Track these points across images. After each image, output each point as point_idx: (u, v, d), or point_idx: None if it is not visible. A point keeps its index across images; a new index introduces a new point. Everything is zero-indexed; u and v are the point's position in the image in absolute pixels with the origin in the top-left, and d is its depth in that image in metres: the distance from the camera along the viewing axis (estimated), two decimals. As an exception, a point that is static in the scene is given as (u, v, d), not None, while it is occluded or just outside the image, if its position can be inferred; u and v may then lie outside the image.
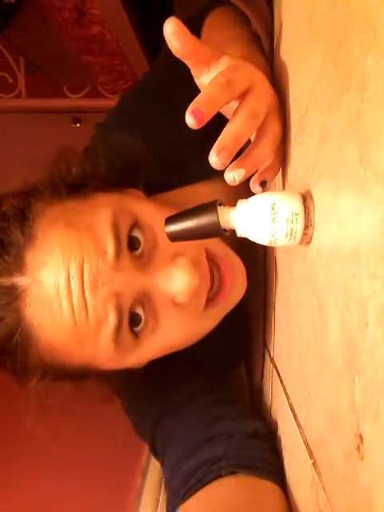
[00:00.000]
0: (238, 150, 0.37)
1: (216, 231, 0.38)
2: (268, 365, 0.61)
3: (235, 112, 0.37)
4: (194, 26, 0.60)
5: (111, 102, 0.67)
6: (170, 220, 0.40)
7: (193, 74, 0.42)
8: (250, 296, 0.66)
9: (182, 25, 0.35)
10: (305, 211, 0.34)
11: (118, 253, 0.46)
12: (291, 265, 0.43)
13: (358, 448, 0.25)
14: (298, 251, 0.39)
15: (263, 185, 0.42)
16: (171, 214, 0.40)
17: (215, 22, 0.58)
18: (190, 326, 0.51)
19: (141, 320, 0.48)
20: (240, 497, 0.45)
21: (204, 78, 0.41)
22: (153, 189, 0.61)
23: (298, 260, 0.40)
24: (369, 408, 0.23)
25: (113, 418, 0.71)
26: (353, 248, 0.25)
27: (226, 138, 0.36)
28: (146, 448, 0.76)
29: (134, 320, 0.48)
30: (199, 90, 0.45)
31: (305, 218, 0.34)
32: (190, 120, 0.34)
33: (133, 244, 0.48)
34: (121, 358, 0.49)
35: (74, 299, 0.44)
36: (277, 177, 0.49)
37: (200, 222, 0.38)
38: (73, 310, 0.45)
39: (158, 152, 0.61)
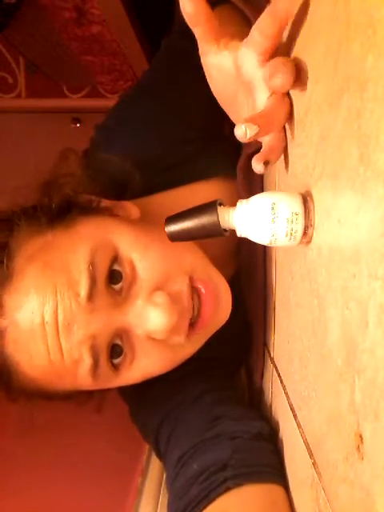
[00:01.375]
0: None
1: (216, 231, 0.38)
2: (268, 365, 0.61)
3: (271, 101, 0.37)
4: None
5: (111, 101, 0.67)
6: (170, 220, 0.40)
7: (200, 48, 0.41)
8: (250, 296, 0.66)
9: None
10: (305, 211, 0.34)
11: (91, 294, 0.45)
12: (291, 265, 0.43)
13: (358, 448, 0.25)
14: (297, 251, 0.39)
15: (266, 164, 0.42)
16: (171, 214, 0.40)
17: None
18: (169, 357, 0.51)
19: (122, 351, 0.48)
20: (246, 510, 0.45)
21: (211, 57, 0.40)
22: (150, 190, 0.61)
23: (297, 260, 0.40)
24: (369, 408, 0.23)
25: (113, 418, 0.72)
26: (353, 248, 0.25)
27: (264, 119, 0.35)
28: (146, 448, 0.76)
29: (115, 351, 0.48)
30: (199, 87, 0.45)
31: (305, 218, 0.34)
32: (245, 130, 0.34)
33: (114, 277, 0.47)
34: (103, 385, 0.50)
35: (49, 342, 0.45)
36: (277, 177, 0.49)
37: (200, 221, 0.38)
38: (48, 352, 0.45)
39: (156, 151, 0.61)
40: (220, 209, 0.38)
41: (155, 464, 0.74)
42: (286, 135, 0.42)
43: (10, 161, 1.67)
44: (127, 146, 0.61)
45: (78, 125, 1.86)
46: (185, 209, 0.41)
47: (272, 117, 0.38)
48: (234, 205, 0.38)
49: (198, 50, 0.42)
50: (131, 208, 0.55)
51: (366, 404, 0.24)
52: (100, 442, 0.80)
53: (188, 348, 0.53)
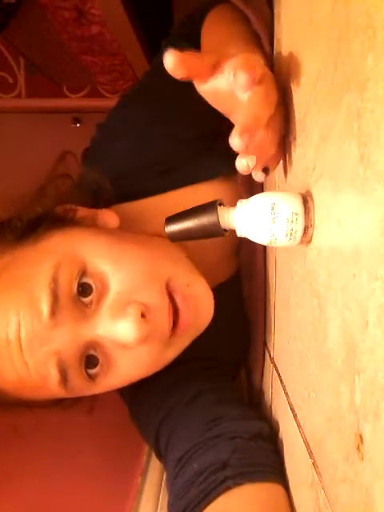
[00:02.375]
0: (258, 132, 0.36)
1: (216, 231, 0.38)
2: (268, 365, 0.61)
3: (250, 97, 0.36)
4: (194, 22, 0.60)
5: (111, 101, 0.67)
6: (170, 220, 0.40)
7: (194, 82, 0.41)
8: (250, 296, 0.66)
9: (180, 55, 0.34)
10: (305, 211, 0.35)
11: (54, 311, 0.45)
12: (291, 265, 0.43)
13: (358, 448, 0.25)
14: (297, 251, 0.39)
15: (266, 171, 0.42)
16: (170, 214, 0.40)
17: (215, 20, 0.58)
18: (148, 363, 0.51)
19: (98, 362, 0.48)
20: (246, 510, 0.45)
21: (204, 86, 0.40)
22: (149, 192, 0.61)
23: (298, 260, 0.40)
24: (369, 408, 0.23)
25: (113, 418, 0.72)
26: (353, 248, 0.25)
27: (248, 119, 0.34)
28: (146, 448, 0.76)
29: (91, 362, 0.48)
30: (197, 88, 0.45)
31: (305, 218, 0.35)
32: (239, 142, 0.33)
33: (85, 290, 0.47)
34: (79, 394, 0.50)
35: (14, 360, 0.45)
36: (276, 177, 0.49)
37: (200, 221, 0.38)
38: (15, 368, 0.46)
39: (156, 153, 0.61)
40: (220, 209, 0.38)
41: (155, 464, 0.74)
42: (282, 143, 0.43)
43: (10, 161, 1.67)
44: (127, 147, 0.61)
45: (78, 125, 1.86)
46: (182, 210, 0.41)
47: (265, 141, 0.38)
48: (234, 205, 0.38)
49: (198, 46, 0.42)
50: (110, 216, 0.55)
51: (366, 404, 0.24)
52: (100, 442, 0.80)
53: (170, 352, 0.52)
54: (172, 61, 0.35)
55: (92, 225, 0.54)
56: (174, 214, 0.41)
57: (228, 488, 0.45)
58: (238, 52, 0.43)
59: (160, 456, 0.60)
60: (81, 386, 0.49)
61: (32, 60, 1.56)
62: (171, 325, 0.49)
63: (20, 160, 1.70)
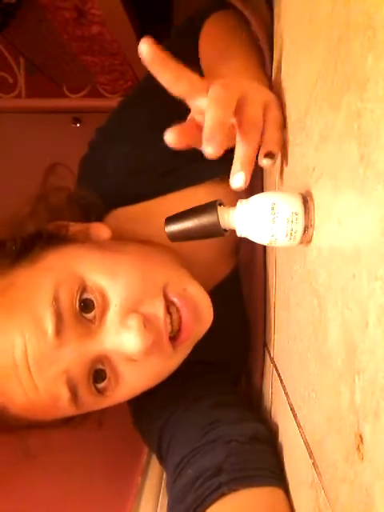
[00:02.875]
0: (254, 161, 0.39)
1: (216, 231, 0.38)
2: (268, 365, 0.61)
3: (239, 131, 0.38)
4: (194, 28, 0.60)
5: (111, 101, 0.67)
6: (170, 220, 0.40)
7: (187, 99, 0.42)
8: (250, 296, 0.66)
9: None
10: (305, 211, 0.34)
11: (59, 330, 0.45)
12: (291, 265, 0.43)
13: (358, 448, 0.25)
14: (297, 251, 0.39)
15: (270, 156, 0.42)
16: (171, 215, 0.40)
17: (214, 28, 0.58)
18: (154, 373, 0.51)
19: (106, 376, 0.49)
20: None
21: (194, 103, 0.42)
22: (148, 195, 0.61)
23: (298, 260, 0.40)
24: (369, 408, 0.23)
25: (113, 418, 0.71)
26: (353, 248, 0.25)
27: (244, 158, 0.38)
28: (146, 449, 0.76)
29: (99, 376, 0.48)
30: None
31: (305, 218, 0.34)
32: (210, 150, 0.35)
33: (87, 306, 0.47)
34: (89, 409, 0.50)
35: (24, 383, 0.45)
36: (277, 177, 0.49)
37: (200, 221, 0.38)
38: (25, 392, 0.46)
39: (155, 157, 0.61)
40: (220, 209, 0.38)
41: (155, 464, 0.74)
42: (282, 127, 0.43)
43: (10, 161, 1.67)
44: (127, 150, 0.61)
45: (78, 125, 1.86)
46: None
47: (253, 153, 0.39)
48: (234, 205, 0.38)
49: (194, 47, 0.43)
50: (101, 229, 0.55)
51: (366, 404, 0.24)
52: (100, 442, 0.80)
53: (173, 360, 0.52)
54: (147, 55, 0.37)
55: (85, 239, 0.54)
56: (173, 214, 0.41)
57: (223, 494, 0.45)
58: (230, 73, 0.46)
59: (162, 461, 0.60)
60: (91, 402, 0.49)
61: (32, 60, 1.56)
62: (168, 331, 0.49)
63: (20, 160, 1.70)
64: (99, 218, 0.60)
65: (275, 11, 0.53)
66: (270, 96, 0.43)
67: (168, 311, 0.50)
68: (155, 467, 0.74)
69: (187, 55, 0.57)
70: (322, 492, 0.34)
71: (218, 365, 0.65)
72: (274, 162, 0.42)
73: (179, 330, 0.50)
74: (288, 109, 0.43)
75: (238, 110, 0.38)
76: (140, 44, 0.37)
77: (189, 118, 0.44)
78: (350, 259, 0.26)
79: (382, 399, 0.22)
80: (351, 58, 0.25)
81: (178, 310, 0.50)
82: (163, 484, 0.70)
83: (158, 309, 0.49)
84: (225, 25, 0.57)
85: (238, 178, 0.38)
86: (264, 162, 0.41)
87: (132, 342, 0.46)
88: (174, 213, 0.41)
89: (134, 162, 0.61)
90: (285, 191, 0.37)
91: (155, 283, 0.50)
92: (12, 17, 1.21)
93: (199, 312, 0.52)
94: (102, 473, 0.76)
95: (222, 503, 0.45)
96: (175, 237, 0.40)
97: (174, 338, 0.50)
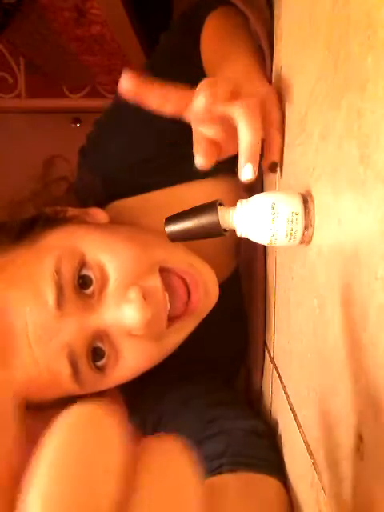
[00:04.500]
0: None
1: (216, 231, 0.38)
2: (268, 365, 0.61)
3: (241, 124, 0.39)
4: (195, 26, 0.60)
5: (111, 102, 0.67)
6: (169, 220, 0.40)
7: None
8: (250, 296, 0.66)
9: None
10: (305, 211, 0.34)
11: (60, 302, 0.45)
12: (291, 265, 0.43)
13: (358, 448, 0.25)
14: (298, 251, 0.39)
15: (274, 167, 0.43)
16: (171, 214, 0.40)
17: (216, 27, 0.58)
18: (154, 350, 0.51)
19: (104, 353, 0.48)
20: (239, 493, 0.45)
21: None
22: (145, 188, 0.61)
23: (298, 260, 0.40)
24: (369, 408, 0.23)
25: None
26: (353, 248, 0.25)
27: (250, 149, 0.38)
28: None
29: (98, 354, 0.48)
30: (196, 86, 0.45)
31: (305, 218, 0.34)
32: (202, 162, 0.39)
33: (85, 283, 0.48)
34: (91, 388, 0.50)
35: (24, 357, 0.45)
36: (277, 176, 0.49)
37: (200, 221, 0.38)
38: (25, 367, 0.45)
39: (152, 150, 0.61)
40: (220, 209, 0.38)
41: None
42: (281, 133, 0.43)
43: (10, 161, 1.67)
44: (123, 144, 0.62)
45: (78, 125, 1.87)
46: (181, 207, 0.41)
47: (257, 144, 0.40)
48: (234, 205, 0.38)
49: (196, 47, 0.43)
50: (98, 214, 0.56)
51: (366, 404, 0.24)
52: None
53: (173, 338, 0.53)
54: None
55: (83, 222, 0.54)
56: (173, 213, 0.41)
57: (221, 473, 0.45)
58: (232, 73, 0.47)
59: None
60: (92, 380, 0.48)
61: (32, 60, 1.56)
62: (167, 305, 0.50)
63: (20, 160, 1.70)
64: (102, 204, 0.60)
65: (275, 11, 0.53)
66: (270, 93, 0.44)
67: (167, 287, 0.50)
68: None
69: (189, 55, 0.58)
70: (322, 492, 0.34)
71: (216, 363, 0.65)
72: (278, 170, 0.42)
73: (186, 305, 0.51)
74: (288, 109, 0.43)
75: (237, 101, 0.39)
76: (121, 80, 0.38)
77: (194, 132, 0.45)
78: (350, 259, 0.26)
79: (382, 399, 0.22)
80: (351, 58, 0.25)
81: (187, 285, 0.51)
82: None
83: (157, 282, 0.49)
84: (226, 24, 0.57)
85: (247, 171, 0.39)
86: (269, 172, 0.42)
87: (133, 314, 0.46)
88: (173, 206, 0.42)
89: (131, 154, 0.61)
90: (285, 191, 0.37)
91: (153, 258, 0.50)
92: (12, 17, 1.21)
93: (206, 287, 0.52)
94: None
95: (219, 479, 0.45)
96: (175, 237, 0.40)
97: (177, 315, 0.51)
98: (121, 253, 0.49)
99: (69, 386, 0.48)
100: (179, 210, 0.41)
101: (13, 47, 1.51)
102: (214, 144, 0.43)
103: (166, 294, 0.50)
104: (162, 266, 0.51)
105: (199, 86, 0.39)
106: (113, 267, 0.48)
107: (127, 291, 0.48)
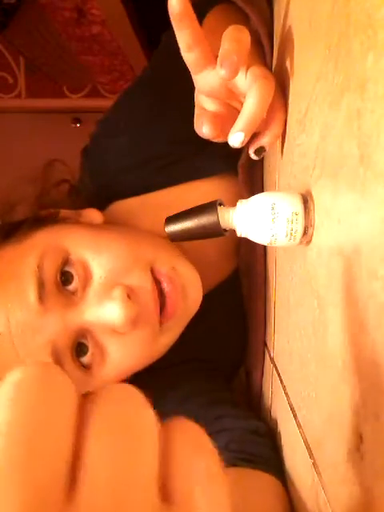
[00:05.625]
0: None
1: (216, 231, 0.38)
2: (268, 365, 0.61)
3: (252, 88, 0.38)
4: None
5: (111, 102, 0.67)
6: (169, 220, 0.40)
7: (192, 69, 0.42)
8: (250, 296, 0.66)
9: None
10: (305, 211, 0.34)
11: (42, 297, 0.45)
12: (291, 265, 0.43)
13: (358, 448, 0.25)
14: (297, 251, 0.39)
15: (260, 152, 0.43)
16: (171, 215, 0.40)
17: (215, 23, 0.58)
18: (142, 349, 0.50)
19: (88, 350, 0.48)
20: (237, 487, 0.45)
21: (203, 74, 0.41)
22: (148, 188, 0.61)
23: (297, 260, 0.40)
24: (369, 408, 0.23)
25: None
26: (353, 248, 0.25)
27: (249, 117, 0.37)
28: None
29: (82, 350, 0.48)
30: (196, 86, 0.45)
31: (305, 218, 0.34)
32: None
33: (67, 279, 0.48)
34: (79, 387, 0.50)
35: (6, 354, 0.45)
36: (277, 177, 0.49)
37: (200, 221, 0.38)
38: (7, 363, 0.45)
39: (156, 149, 0.61)
40: (220, 209, 0.38)
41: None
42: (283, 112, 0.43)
43: (10, 161, 1.67)
44: (127, 143, 0.62)
45: (78, 125, 1.87)
46: (181, 207, 0.41)
47: (256, 112, 0.38)
48: (234, 204, 0.38)
49: None
50: (93, 214, 0.56)
51: (366, 404, 0.24)
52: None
53: (163, 339, 0.52)
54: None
55: (75, 223, 0.55)
56: (173, 213, 0.41)
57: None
58: None
59: None
60: (77, 378, 0.48)
61: (32, 60, 1.56)
62: (158, 306, 0.49)
63: (20, 160, 1.70)
64: (99, 210, 0.60)
65: (275, 11, 0.53)
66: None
67: (155, 286, 0.49)
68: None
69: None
70: (322, 492, 0.34)
71: (216, 362, 0.65)
72: (262, 156, 0.42)
73: (165, 306, 0.50)
74: (288, 109, 0.43)
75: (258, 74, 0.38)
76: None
77: (196, 106, 0.44)
78: (349, 259, 0.26)
79: (382, 399, 0.22)
80: (351, 57, 0.25)
81: (163, 289, 0.50)
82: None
83: (146, 282, 0.49)
84: (226, 20, 0.57)
85: (237, 137, 0.38)
86: (252, 156, 0.42)
87: (114, 311, 0.46)
88: (173, 206, 0.41)
89: (134, 154, 0.61)
90: (285, 191, 0.37)
91: (143, 258, 0.50)
92: (12, 17, 1.21)
93: (187, 290, 0.52)
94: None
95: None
96: (175, 237, 0.40)
97: (160, 314, 0.50)
98: (106, 251, 0.49)
99: None
100: (179, 210, 0.41)
101: (13, 47, 1.51)
102: (216, 117, 0.42)
103: (157, 292, 0.49)
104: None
105: (220, 59, 0.36)
106: (97, 265, 0.48)
107: (112, 289, 0.47)
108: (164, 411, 0.59)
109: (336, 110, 0.27)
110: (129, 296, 0.47)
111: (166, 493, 0.15)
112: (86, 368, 0.49)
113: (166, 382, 0.59)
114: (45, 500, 0.13)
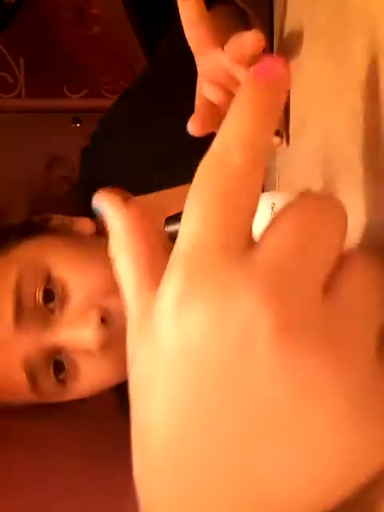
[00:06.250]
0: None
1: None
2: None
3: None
4: None
5: (111, 102, 0.67)
6: (170, 220, 0.40)
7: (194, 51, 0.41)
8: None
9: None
10: (305, 211, 0.34)
11: (18, 316, 0.46)
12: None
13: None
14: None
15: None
16: (171, 215, 0.40)
17: (214, 21, 0.58)
18: (115, 369, 0.50)
19: (64, 367, 0.49)
20: None
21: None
22: (148, 189, 0.61)
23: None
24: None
25: (113, 415, 0.72)
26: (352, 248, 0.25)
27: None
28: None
29: (58, 367, 0.49)
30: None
31: (305, 218, 0.34)
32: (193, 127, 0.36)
33: (49, 296, 0.48)
34: (52, 399, 0.50)
35: None
36: (277, 177, 0.49)
37: (200, 222, 0.38)
38: None
39: (157, 150, 0.61)
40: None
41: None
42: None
43: (9, 161, 1.67)
44: (128, 143, 0.62)
45: (78, 125, 1.87)
46: (182, 207, 0.41)
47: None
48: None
49: None
50: (84, 223, 0.56)
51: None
52: (100, 440, 0.80)
53: None
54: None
55: (67, 232, 0.54)
56: (173, 214, 0.41)
57: None
58: None
59: None
60: (52, 392, 0.49)
61: (32, 60, 1.56)
62: None
63: (20, 160, 1.70)
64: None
65: (275, 11, 0.53)
66: None
67: None
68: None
69: (186, 55, 0.57)
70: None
71: None
72: (281, 142, 0.41)
73: None
74: (288, 109, 0.43)
75: None
76: None
77: (197, 95, 0.43)
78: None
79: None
80: (351, 57, 0.25)
81: None
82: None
83: (120, 305, 0.48)
84: (225, 18, 0.57)
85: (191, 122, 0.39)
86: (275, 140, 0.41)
87: (87, 335, 0.46)
88: (173, 207, 0.41)
89: (134, 154, 0.61)
90: (285, 191, 0.37)
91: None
92: (12, 17, 1.21)
93: None
94: (102, 472, 0.76)
95: None
96: (175, 237, 0.40)
97: None
98: (86, 272, 0.49)
99: (28, 396, 0.48)
100: (179, 210, 0.41)
101: (13, 47, 1.51)
102: (213, 108, 0.41)
103: None
104: None
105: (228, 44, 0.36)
106: (76, 285, 0.48)
107: (87, 312, 0.47)
108: None
109: (336, 110, 0.27)
110: (104, 319, 0.47)
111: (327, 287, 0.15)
112: (62, 383, 0.49)
113: None
114: (229, 231, 0.15)
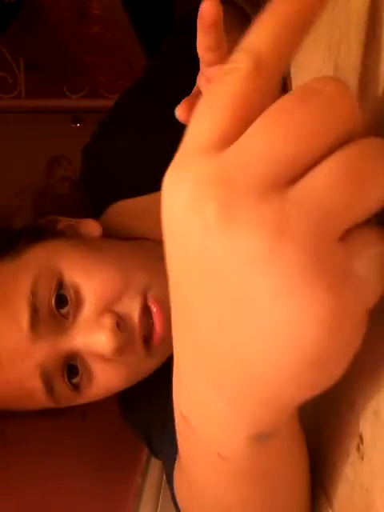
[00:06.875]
0: None
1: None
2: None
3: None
4: (196, 28, 0.60)
5: (111, 102, 0.67)
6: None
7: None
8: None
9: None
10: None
11: (33, 324, 0.45)
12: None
13: (358, 448, 0.25)
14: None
15: None
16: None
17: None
18: (128, 373, 0.51)
19: (78, 371, 0.49)
20: None
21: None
22: (149, 189, 0.61)
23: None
24: (369, 408, 0.23)
25: (112, 418, 0.72)
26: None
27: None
28: (147, 448, 0.76)
29: (73, 371, 0.49)
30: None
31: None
32: None
33: (62, 302, 0.47)
34: (66, 403, 0.50)
35: None
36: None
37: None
38: None
39: (157, 151, 0.61)
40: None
41: (155, 464, 0.74)
42: None
43: (9, 161, 1.67)
44: (129, 143, 0.62)
45: (78, 125, 1.86)
46: None
47: None
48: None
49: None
50: (92, 225, 0.55)
51: (366, 404, 0.24)
52: (99, 443, 0.80)
53: (150, 362, 0.52)
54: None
55: (74, 235, 0.54)
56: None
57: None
58: None
59: (156, 454, 0.60)
60: (67, 396, 0.49)
61: (32, 60, 1.56)
62: (142, 337, 0.49)
63: (20, 160, 1.70)
64: (99, 211, 0.60)
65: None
66: None
67: (145, 313, 0.49)
68: (155, 467, 0.74)
69: (187, 55, 0.57)
70: (322, 492, 0.34)
71: None
72: None
73: (151, 336, 0.50)
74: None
75: None
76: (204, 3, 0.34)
77: (195, 89, 0.43)
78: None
79: (382, 399, 0.22)
80: (351, 57, 0.25)
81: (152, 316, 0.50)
82: (163, 484, 0.70)
83: (134, 310, 0.49)
84: (228, 23, 0.57)
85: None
86: None
87: (103, 341, 0.46)
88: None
89: (135, 154, 0.61)
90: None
91: (135, 284, 0.49)
92: (12, 17, 1.21)
93: None
94: (102, 473, 0.76)
95: None
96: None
97: (148, 340, 0.50)
98: (98, 276, 0.48)
99: (45, 402, 0.48)
100: None
101: (13, 47, 1.51)
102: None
103: (142, 321, 0.49)
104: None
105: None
106: (89, 290, 0.48)
107: (101, 316, 0.47)
108: (168, 416, 0.59)
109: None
110: (118, 324, 0.47)
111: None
112: (76, 388, 0.49)
113: (169, 388, 0.59)
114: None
